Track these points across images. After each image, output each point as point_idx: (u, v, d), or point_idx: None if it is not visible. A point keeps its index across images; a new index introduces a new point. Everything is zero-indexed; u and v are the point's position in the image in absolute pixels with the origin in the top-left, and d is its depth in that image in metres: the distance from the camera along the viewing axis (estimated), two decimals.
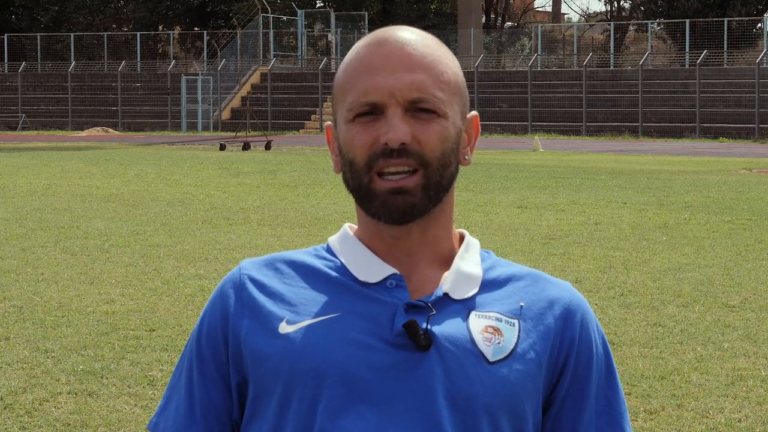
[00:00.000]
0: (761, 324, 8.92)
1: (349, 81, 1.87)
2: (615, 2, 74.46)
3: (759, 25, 55.67)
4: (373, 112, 1.84)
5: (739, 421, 6.44)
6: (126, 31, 67.43)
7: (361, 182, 1.84)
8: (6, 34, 61.86)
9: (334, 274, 1.90)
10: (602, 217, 16.21)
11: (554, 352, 1.89)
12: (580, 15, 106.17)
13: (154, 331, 8.57)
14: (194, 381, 1.92)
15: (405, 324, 1.82)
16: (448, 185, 1.87)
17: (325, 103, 51.14)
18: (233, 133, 43.88)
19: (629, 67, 50.59)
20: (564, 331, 1.90)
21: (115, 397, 6.81)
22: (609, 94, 48.47)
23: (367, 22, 58.15)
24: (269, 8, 57.34)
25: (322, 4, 66.81)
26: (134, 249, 12.92)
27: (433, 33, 2.57)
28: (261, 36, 56.70)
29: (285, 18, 59.00)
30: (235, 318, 1.89)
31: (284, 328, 1.86)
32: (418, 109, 1.83)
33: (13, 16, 69.36)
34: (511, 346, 1.85)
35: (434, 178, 1.84)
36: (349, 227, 1.96)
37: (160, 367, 7.49)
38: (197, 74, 55.12)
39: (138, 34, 60.85)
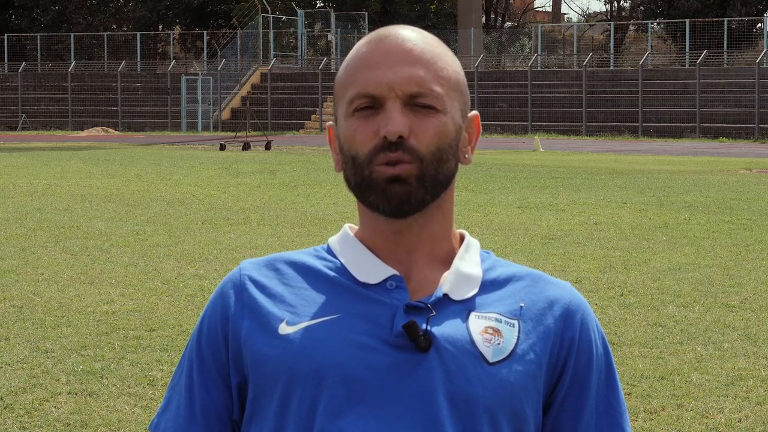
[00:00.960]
0: (761, 324, 8.92)
1: (349, 77, 1.88)
2: (615, 2, 74.50)
3: (759, 25, 55.66)
4: (372, 105, 1.84)
5: (739, 421, 6.44)
6: (126, 31, 67.42)
7: (362, 175, 1.84)
8: (6, 34, 61.86)
9: (334, 274, 1.90)
10: (602, 217, 16.21)
11: (554, 353, 1.89)
12: (580, 15, 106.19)
13: (154, 331, 8.57)
14: (194, 381, 1.92)
15: (405, 325, 1.81)
16: (446, 181, 1.87)
17: (325, 103, 51.13)
18: (233, 133, 43.87)
19: (629, 67, 50.59)
20: (564, 331, 1.90)
21: (115, 397, 6.81)
22: (609, 94, 48.47)
23: (367, 22, 58.15)
24: (269, 8, 57.33)
25: (322, 4, 66.79)
26: (134, 249, 12.92)
27: (433, 33, 2.57)
28: (261, 36, 56.70)
29: (285, 18, 58.99)
30: (236, 319, 1.89)
31: (284, 329, 1.86)
32: (417, 104, 1.84)
33: (13, 16, 69.35)
34: (511, 347, 1.85)
35: (429, 171, 1.83)
36: (349, 228, 1.96)
37: (160, 367, 7.49)
38: (197, 74, 55.12)
39: (138, 34, 60.85)
